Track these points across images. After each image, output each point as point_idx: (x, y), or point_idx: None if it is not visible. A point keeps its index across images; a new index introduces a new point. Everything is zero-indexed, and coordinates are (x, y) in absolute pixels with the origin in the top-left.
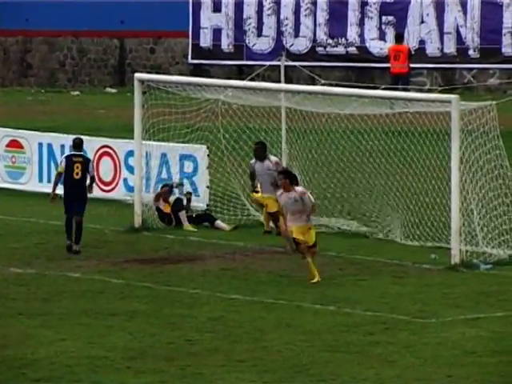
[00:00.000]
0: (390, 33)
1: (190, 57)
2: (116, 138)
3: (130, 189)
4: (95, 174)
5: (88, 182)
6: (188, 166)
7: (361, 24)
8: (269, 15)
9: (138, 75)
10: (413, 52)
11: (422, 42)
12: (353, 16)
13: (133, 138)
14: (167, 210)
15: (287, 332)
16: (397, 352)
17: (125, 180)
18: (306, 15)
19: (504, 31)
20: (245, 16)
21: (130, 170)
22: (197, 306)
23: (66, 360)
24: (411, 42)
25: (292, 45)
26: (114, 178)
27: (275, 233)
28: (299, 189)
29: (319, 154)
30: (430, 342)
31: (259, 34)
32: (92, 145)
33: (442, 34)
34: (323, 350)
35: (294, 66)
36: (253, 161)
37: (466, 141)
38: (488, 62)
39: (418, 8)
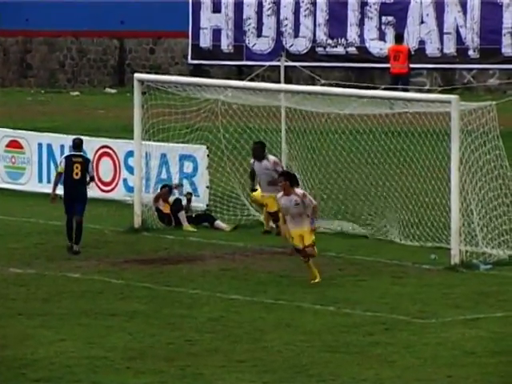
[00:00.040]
0: (390, 33)
1: (189, 57)
2: (116, 139)
3: (130, 189)
4: (95, 174)
5: (88, 181)
6: (188, 167)
7: (360, 24)
8: (268, 16)
9: (137, 75)
10: (412, 52)
11: (421, 42)
12: (352, 16)
13: (132, 139)
14: (167, 210)
15: (287, 332)
16: (397, 352)
17: (124, 180)
18: (305, 15)
19: (504, 31)
20: (244, 16)
21: (130, 170)
22: (197, 306)
23: (66, 360)
24: (411, 42)
25: (292, 45)
26: (113, 179)
27: (275, 233)
28: (300, 191)
29: (318, 155)
30: (430, 343)
31: (259, 35)
32: (92, 145)
33: (441, 34)
34: (323, 350)
35: (294, 67)
36: (252, 160)
37: (465, 141)
38: (488, 62)
39: (418, 8)
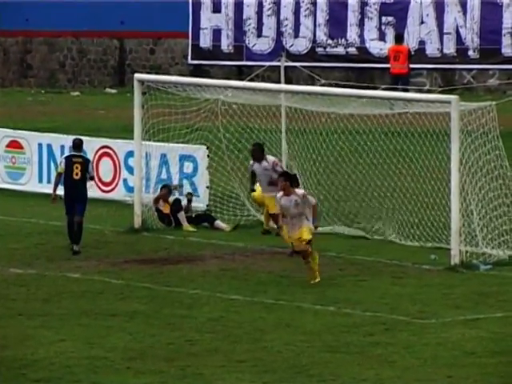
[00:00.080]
0: (390, 33)
1: (189, 57)
2: (116, 139)
3: (130, 189)
4: (95, 174)
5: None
6: (188, 167)
7: (360, 24)
8: (269, 16)
9: (137, 76)
10: (412, 52)
11: (421, 42)
12: (352, 16)
13: (133, 139)
14: (167, 210)
15: (287, 332)
16: (397, 353)
17: (125, 180)
18: (305, 16)
19: (504, 32)
20: (245, 16)
21: (130, 170)
22: (197, 306)
23: (66, 360)
24: (411, 42)
25: (292, 45)
26: (113, 179)
27: (275, 233)
28: (300, 191)
29: (317, 155)
30: (430, 343)
31: (259, 35)
32: (92, 145)
33: (441, 34)
34: (323, 350)
35: (294, 67)
36: (251, 162)
37: (465, 141)
38: (488, 62)
39: (418, 8)
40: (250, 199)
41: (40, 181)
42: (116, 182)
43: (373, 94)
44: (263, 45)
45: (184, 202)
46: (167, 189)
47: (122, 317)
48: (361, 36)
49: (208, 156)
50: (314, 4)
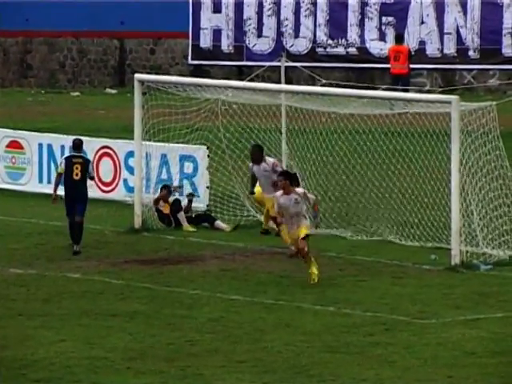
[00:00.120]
0: (390, 33)
1: (189, 57)
2: (116, 139)
3: (130, 189)
4: (95, 174)
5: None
6: (188, 167)
7: (361, 25)
8: (269, 16)
9: (138, 76)
10: (413, 53)
11: (422, 42)
12: (353, 17)
13: (133, 139)
14: (167, 210)
15: (287, 333)
16: (397, 353)
17: (125, 181)
18: (306, 16)
19: (504, 32)
20: (245, 17)
21: (130, 170)
22: (197, 306)
23: (66, 361)
24: (411, 42)
25: (292, 45)
26: (114, 179)
27: (275, 233)
28: (300, 190)
29: (316, 154)
30: (430, 343)
31: (259, 35)
32: (92, 145)
33: (442, 34)
34: (323, 350)
35: (294, 67)
36: (250, 164)
37: (466, 141)
38: (488, 62)
39: (418, 9)
40: (249, 200)
41: (40, 181)
42: (116, 182)
43: (373, 94)
44: (263, 45)
45: (184, 202)
46: (167, 189)
47: (122, 317)
48: (361, 36)
49: (208, 156)
50: (315, 4)
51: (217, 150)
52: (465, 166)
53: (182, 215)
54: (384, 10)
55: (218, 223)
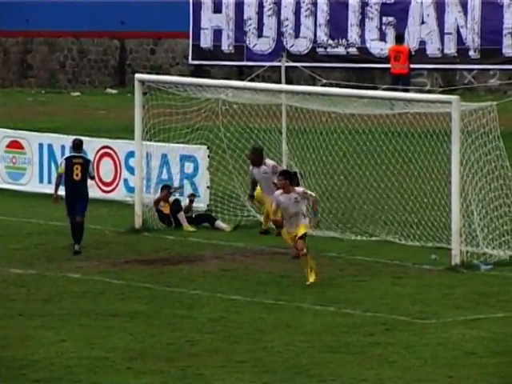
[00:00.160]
0: (391, 33)
1: (190, 57)
2: (116, 139)
3: (131, 189)
4: (95, 174)
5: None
6: (188, 167)
7: (361, 25)
8: (269, 16)
9: (138, 76)
10: (413, 53)
11: (422, 42)
12: (353, 17)
13: (133, 139)
14: (167, 211)
15: (287, 333)
16: (397, 353)
17: (125, 181)
18: (306, 16)
19: (504, 32)
20: (245, 17)
21: (131, 170)
22: (197, 306)
23: (66, 361)
24: (411, 42)
25: (292, 45)
26: (114, 179)
27: (275, 233)
28: (300, 189)
29: (316, 154)
30: (431, 343)
31: (259, 35)
32: (92, 145)
33: (442, 34)
34: (323, 350)
35: (295, 67)
36: (250, 167)
37: (466, 142)
38: (488, 62)
39: (419, 9)
40: (249, 202)
41: (40, 181)
42: (117, 182)
43: (373, 95)
44: (264, 45)
45: (185, 202)
46: (167, 189)
47: (122, 317)
48: (361, 36)
49: (208, 156)
50: (315, 4)
51: (217, 150)
52: (465, 166)
53: (182, 215)
54: (384, 10)
55: (219, 223)
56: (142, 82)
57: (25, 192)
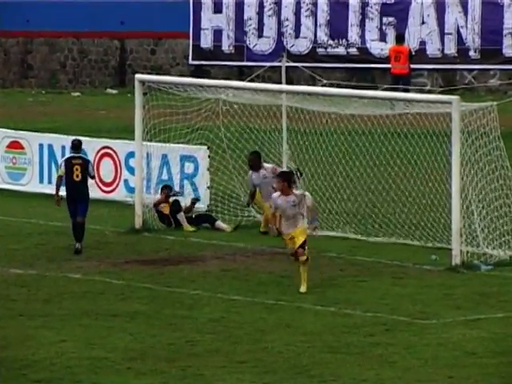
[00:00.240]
0: (391, 34)
1: (190, 58)
2: (117, 139)
3: (131, 190)
4: (95, 174)
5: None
6: (188, 167)
7: (361, 25)
8: (269, 16)
9: (138, 76)
10: (413, 53)
11: (422, 42)
12: (353, 17)
13: (133, 139)
14: (167, 211)
15: (288, 333)
16: (397, 353)
17: (125, 181)
18: (306, 16)
19: (505, 32)
20: (245, 17)
21: (131, 170)
22: (197, 307)
23: (67, 361)
24: (412, 42)
25: (293, 46)
26: (114, 179)
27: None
28: (298, 192)
29: (316, 155)
30: (431, 343)
31: (260, 35)
32: (92, 146)
33: (442, 34)
34: (324, 351)
35: (295, 67)
36: (250, 172)
37: (466, 142)
38: (489, 62)
39: (419, 9)
40: (249, 206)
41: (41, 181)
42: (117, 182)
43: (374, 95)
44: (264, 45)
45: (184, 202)
46: (167, 190)
47: (122, 317)
48: (362, 36)
49: (209, 156)
50: (315, 4)
51: (217, 150)
52: (465, 167)
53: (181, 216)
54: (385, 11)
55: (219, 223)
56: (143, 82)
57: (25, 192)
